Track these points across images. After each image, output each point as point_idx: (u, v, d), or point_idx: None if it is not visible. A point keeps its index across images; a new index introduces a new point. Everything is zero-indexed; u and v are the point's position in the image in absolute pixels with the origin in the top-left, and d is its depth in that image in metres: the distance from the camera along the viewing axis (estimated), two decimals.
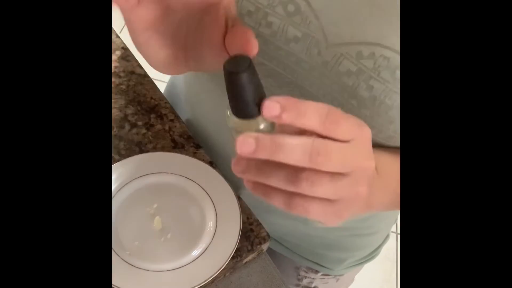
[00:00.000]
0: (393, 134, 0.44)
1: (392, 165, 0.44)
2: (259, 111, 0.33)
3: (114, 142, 0.67)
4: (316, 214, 0.34)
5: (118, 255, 0.57)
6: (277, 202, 0.34)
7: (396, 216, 0.79)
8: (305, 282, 0.79)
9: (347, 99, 0.44)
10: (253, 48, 0.33)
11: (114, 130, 0.68)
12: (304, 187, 0.32)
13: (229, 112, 0.34)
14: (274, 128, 0.35)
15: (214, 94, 0.59)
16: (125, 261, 0.57)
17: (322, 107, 0.31)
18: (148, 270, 0.57)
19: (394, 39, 0.41)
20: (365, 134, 0.33)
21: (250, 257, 0.60)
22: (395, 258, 1.72)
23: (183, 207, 0.62)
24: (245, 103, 0.33)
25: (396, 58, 0.41)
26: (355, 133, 0.32)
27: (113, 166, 0.63)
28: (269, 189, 0.34)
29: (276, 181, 0.32)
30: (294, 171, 0.32)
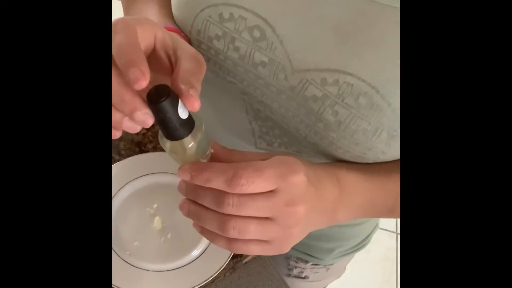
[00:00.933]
0: (360, 154, 0.45)
1: (356, 183, 0.46)
2: (186, 133, 0.37)
3: (114, 142, 0.67)
4: (257, 252, 0.39)
5: (118, 255, 0.57)
6: (220, 245, 0.39)
7: None
8: (295, 271, 0.80)
9: (314, 122, 0.45)
10: (193, 106, 0.36)
11: None
12: (233, 234, 0.37)
13: (160, 135, 0.38)
14: (207, 144, 0.39)
15: (205, 102, 0.59)
16: (125, 261, 0.57)
17: (228, 171, 0.36)
18: (148, 270, 0.57)
19: (357, 66, 0.42)
20: (292, 182, 0.37)
21: (250, 257, 0.60)
22: (395, 258, 1.72)
23: None
24: (170, 128, 0.36)
25: (359, 85, 0.42)
26: (277, 183, 0.37)
27: (113, 166, 0.63)
28: (211, 234, 0.39)
29: (211, 227, 0.38)
30: (223, 221, 0.37)
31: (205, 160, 0.40)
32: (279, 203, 0.37)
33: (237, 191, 0.36)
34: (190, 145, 0.38)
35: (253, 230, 0.37)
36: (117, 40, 0.34)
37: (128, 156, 0.65)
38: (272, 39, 0.44)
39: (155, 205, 0.62)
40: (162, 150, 0.69)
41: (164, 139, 0.38)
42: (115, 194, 0.62)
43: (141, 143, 0.68)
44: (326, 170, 0.44)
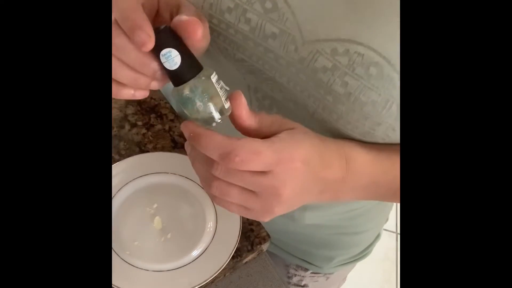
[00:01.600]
0: (369, 130, 0.45)
1: (363, 164, 0.46)
2: (190, 73, 0.37)
3: (114, 142, 0.67)
4: (238, 213, 0.41)
5: (118, 255, 0.57)
6: (207, 192, 0.41)
7: (386, 215, 0.79)
8: (295, 280, 0.80)
9: (323, 95, 0.45)
10: (196, 34, 0.37)
11: (114, 130, 0.68)
12: (215, 193, 0.39)
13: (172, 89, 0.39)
14: (210, 89, 0.38)
15: None
16: (125, 261, 0.57)
17: (225, 146, 0.36)
18: (148, 270, 0.57)
19: (368, 36, 0.42)
20: (286, 169, 0.38)
21: (250, 257, 0.60)
22: (395, 258, 1.72)
23: (183, 207, 0.62)
24: (173, 70, 0.37)
25: (369, 55, 0.42)
26: (271, 168, 0.37)
27: (113, 166, 0.63)
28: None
29: (200, 177, 0.41)
30: (208, 178, 0.39)
31: (219, 116, 0.39)
32: (266, 184, 0.38)
33: (228, 166, 0.36)
34: (193, 89, 0.37)
35: (234, 196, 0.39)
36: (119, 5, 0.35)
37: (128, 156, 0.65)
38: (284, 9, 0.44)
39: (155, 205, 0.62)
40: (162, 150, 0.69)
41: (174, 88, 0.38)
42: (115, 194, 0.62)
43: (141, 143, 0.68)
44: (337, 149, 0.44)
